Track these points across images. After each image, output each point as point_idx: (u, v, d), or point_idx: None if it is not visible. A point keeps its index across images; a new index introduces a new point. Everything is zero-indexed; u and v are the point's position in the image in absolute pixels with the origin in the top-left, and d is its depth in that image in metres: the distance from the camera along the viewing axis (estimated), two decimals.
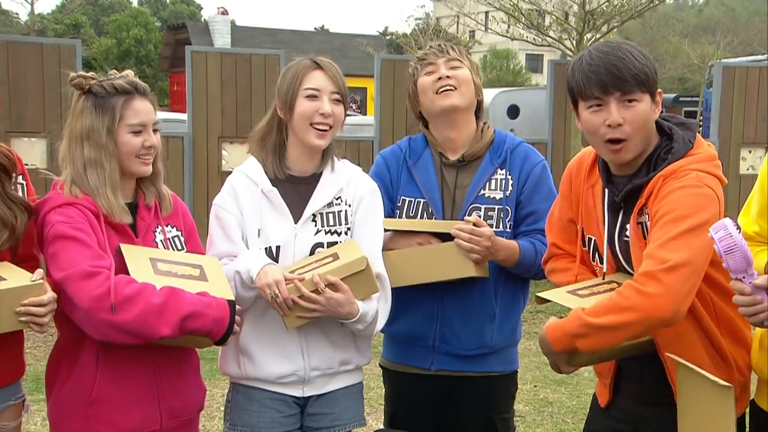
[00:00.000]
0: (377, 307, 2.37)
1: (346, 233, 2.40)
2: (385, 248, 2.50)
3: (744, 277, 1.77)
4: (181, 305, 2.03)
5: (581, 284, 2.16)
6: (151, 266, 2.11)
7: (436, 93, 2.52)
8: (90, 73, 2.19)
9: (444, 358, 2.59)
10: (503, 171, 2.57)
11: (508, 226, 2.55)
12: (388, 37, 36.02)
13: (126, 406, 2.14)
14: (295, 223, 2.37)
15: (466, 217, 2.46)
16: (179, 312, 2.02)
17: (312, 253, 2.36)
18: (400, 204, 2.60)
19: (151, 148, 2.19)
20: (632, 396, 2.20)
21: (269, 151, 2.42)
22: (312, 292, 2.23)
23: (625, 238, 2.08)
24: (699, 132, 2.16)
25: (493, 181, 2.56)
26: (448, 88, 2.51)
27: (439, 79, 2.51)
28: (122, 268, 2.07)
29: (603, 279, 2.16)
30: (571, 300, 2.07)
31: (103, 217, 2.11)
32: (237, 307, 2.15)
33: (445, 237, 2.47)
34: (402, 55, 22.08)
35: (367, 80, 23.83)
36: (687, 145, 2.02)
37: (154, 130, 2.21)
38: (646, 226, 2.01)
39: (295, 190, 2.40)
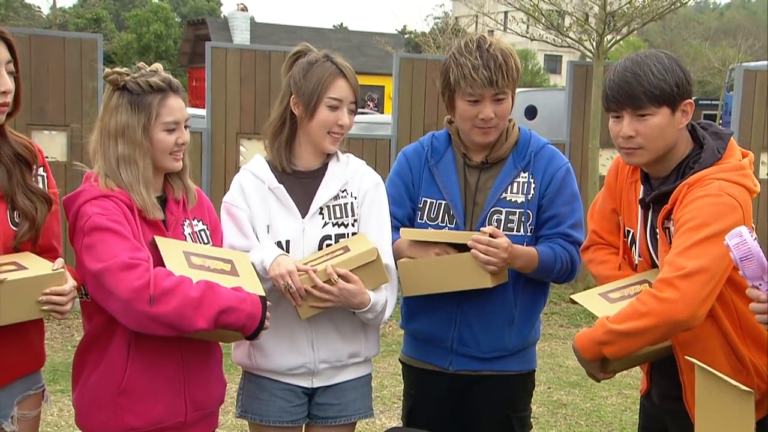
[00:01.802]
0: (386, 296, 2.42)
1: (353, 225, 2.43)
2: (403, 256, 2.53)
3: (760, 284, 1.79)
4: (218, 299, 2.06)
5: (615, 284, 2.27)
6: (185, 260, 2.14)
7: (477, 127, 2.50)
8: (124, 69, 2.21)
9: (462, 359, 2.60)
10: (526, 174, 2.55)
11: (529, 231, 2.54)
12: (406, 36, 36.03)
13: (154, 396, 2.17)
14: (303, 217, 2.41)
15: (483, 228, 2.44)
16: (216, 306, 2.05)
17: (321, 245, 2.40)
18: (421, 205, 2.60)
19: (183, 144, 2.24)
20: (660, 388, 2.32)
21: (282, 144, 2.46)
22: (325, 282, 2.27)
23: (657, 237, 2.19)
24: None
25: (515, 185, 2.54)
26: (490, 126, 2.50)
27: (482, 119, 2.48)
28: (157, 260, 2.10)
29: (637, 278, 2.26)
30: (599, 306, 2.15)
31: (137, 211, 2.15)
32: (268, 303, 2.19)
33: (463, 247, 2.46)
34: (420, 53, 22.08)
35: (385, 78, 23.83)
36: (714, 155, 2.13)
37: (185, 127, 2.25)
38: (670, 231, 2.10)
39: (302, 185, 2.44)
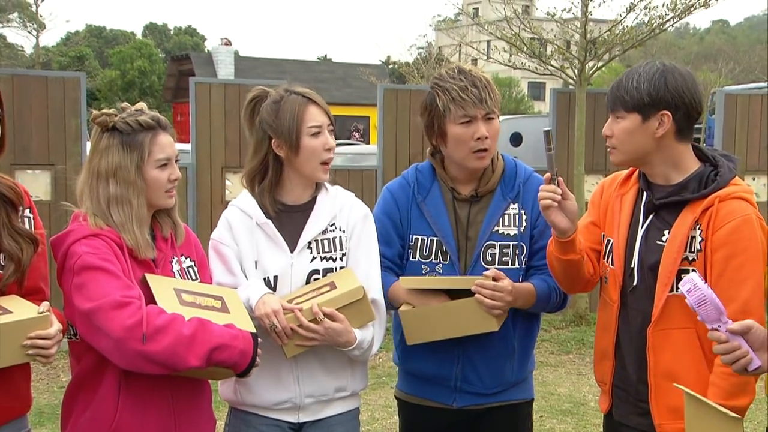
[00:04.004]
0: (373, 333, 2.41)
1: (341, 259, 2.42)
2: (401, 302, 2.52)
3: (719, 326, 1.89)
4: (210, 337, 2.07)
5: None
6: (176, 297, 2.14)
7: (473, 152, 2.49)
8: (111, 110, 2.22)
9: (467, 396, 2.59)
10: (516, 205, 2.56)
11: (523, 263, 2.54)
12: (390, 66, 36.32)
13: None
14: (291, 252, 2.40)
15: (485, 272, 2.43)
16: (208, 343, 2.06)
17: (309, 280, 2.39)
18: (412, 243, 2.58)
19: (176, 180, 2.25)
20: (623, 405, 2.39)
21: (265, 190, 2.44)
22: (310, 321, 2.27)
23: (658, 242, 2.26)
24: None
25: (506, 217, 2.55)
26: (485, 149, 2.49)
27: (478, 139, 2.47)
28: (148, 298, 2.10)
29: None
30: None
31: (127, 249, 2.15)
32: (258, 339, 2.19)
33: (462, 291, 2.45)
34: (404, 83, 22.26)
35: (370, 109, 23.98)
36: (731, 172, 2.27)
37: (176, 162, 2.26)
38: (695, 239, 2.21)
39: (290, 219, 2.43)
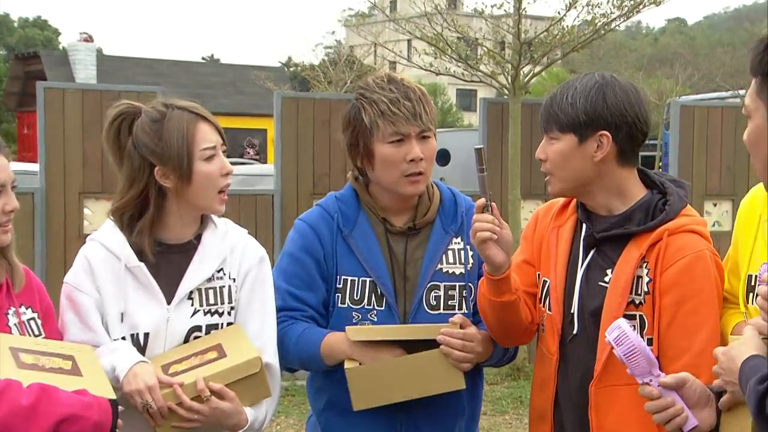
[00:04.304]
0: (266, 410, 2.39)
1: (229, 313, 2.40)
2: (343, 358, 2.48)
3: (651, 380, 1.98)
4: (56, 406, 2.02)
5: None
6: (13, 358, 2.08)
7: (405, 176, 2.52)
8: None
9: None
10: (459, 240, 2.60)
11: (471, 307, 2.57)
12: (291, 69, 36.42)
13: None
14: (168, 303, 2.36)
15: (452, 319, 2.45)
16: (54, 415, 2.01)
17: (188, 338, 2.36)
18: (340, 285, 2.56)
19: (11, 212, 2.19)
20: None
21: (144, 229, 2.38)
22: (193, 399, 2.22)
23: (601, 283, 2.35)
24: None
25: (450, 253, 2.59)
26: (420, 173, 2.52)
27: (412, 161, 2.50)
28: None
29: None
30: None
31: None
32: (119, 408, 2.14)
33: (419, 343, 2.44)
34: (309, 90, 22.36)
35: (268, 120, 23.81)
36: (682, 201, 2.36)
37: (12, 188, 2.21)
38: (641, 279, 2.29)
39: (169, 262, 2.40)
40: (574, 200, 2.47)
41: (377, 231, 2.59)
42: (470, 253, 2.58)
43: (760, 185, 2.17)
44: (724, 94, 17.90)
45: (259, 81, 24.99)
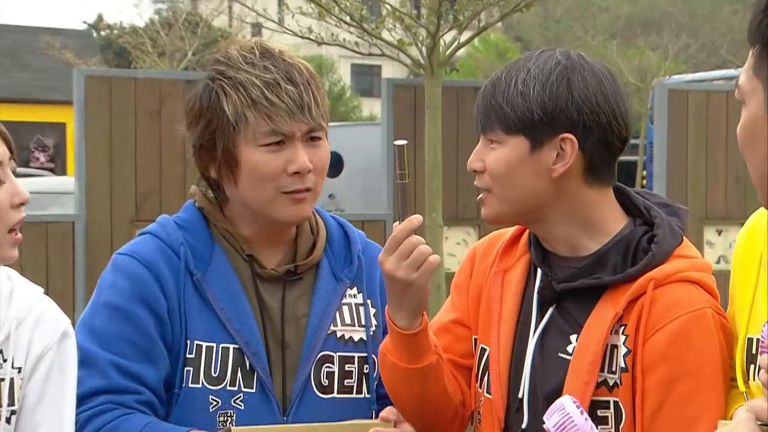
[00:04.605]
0: None
1: (8, 420, 2.35)
2: None
3: None
4: None
5: None
6: None
7: (284, 193, 2.54)
8: None
9: None
10: (356, 291, 2.66)
11: (374, 389, 2.64)
12: (103, 34, 36.03)
13: None
14: None
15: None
16: None
17: None
18: (192, 355, 2.55)
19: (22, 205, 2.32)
20: None
21: None
22: None
23: (561, 355, 2.38)
24: None
25: (345, 309, 2.64)
26: (307, 189, 2.56)
27: (296, 173, 2.53)
28: None
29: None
30: None
31: None
32: None
33: None
34: (130, 66, 22.12)
35: (65, 110, 23.26)
36: (676, 236, 2.40)
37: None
38: (617, 350, 2.33)
39: None
40: (526, 234, 2.52)
41: (242, 275, 2.60)
42: (372, 310, 2.64)
43: (763, 210, 2.20)
44: (731, 72, 18.05)
45: (52, 51, 24.63)
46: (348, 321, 2.63)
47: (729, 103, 7.95)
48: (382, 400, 2.62)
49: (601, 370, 2.32)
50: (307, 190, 2.55)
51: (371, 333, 2.63)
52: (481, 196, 2.44)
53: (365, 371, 2.62)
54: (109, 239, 6.34)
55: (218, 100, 2.52)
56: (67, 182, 10.46)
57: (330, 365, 2.59)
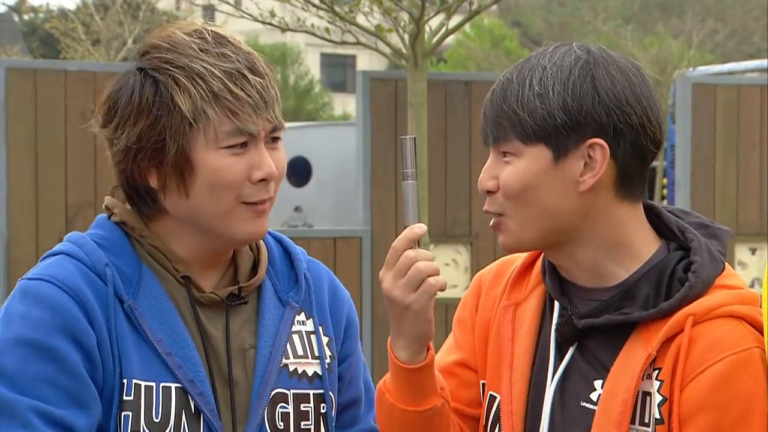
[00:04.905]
0: None
1: None
2: None
3: None
4: None
5: None
6: None
7: (245, 203, 2.54)
8: None
9: None
10: (304, 317, 2.68)
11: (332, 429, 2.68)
12: (27, 18, 36.21)
13: None
14: None
15: None
16: None
17: None
18: (131, 397, 2.52)
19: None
20: None
21: None
22: None
23: (584, 404, 2.39)
24: None
25: (295, 339, 2.65)
26: (265, 198, 2.56)
27: (262, 180, 2.53)
28: None
29: None
30: None
31: None
32: None
33: None
34: (58, 55, 22.20)
35: None
36: (716, 263, 2.39)
37: None
38: (650, 398, 2.32)
39: None
40: (541, 260, 2.51)
41: (177, 300, 2.59)
42: (325, 339, 2.66)
43: None
44: (765, 63, 18.30)
45: None
46: (300, 352, 2.64)
47: (763, 99, 8.09)
48: None
49: (632, 422, 2.31)
50: (268, 200, 2.56)
51: (326, 366, 2.64)
52: (494, 220, 2.42)
53: (322, 411, 2.63)
54: (34, 259, 6.32)
55: (167, 93, 2.48)
56: None
57: (285, 405, 2.59)
